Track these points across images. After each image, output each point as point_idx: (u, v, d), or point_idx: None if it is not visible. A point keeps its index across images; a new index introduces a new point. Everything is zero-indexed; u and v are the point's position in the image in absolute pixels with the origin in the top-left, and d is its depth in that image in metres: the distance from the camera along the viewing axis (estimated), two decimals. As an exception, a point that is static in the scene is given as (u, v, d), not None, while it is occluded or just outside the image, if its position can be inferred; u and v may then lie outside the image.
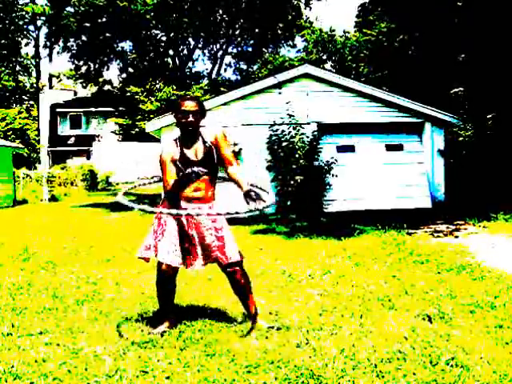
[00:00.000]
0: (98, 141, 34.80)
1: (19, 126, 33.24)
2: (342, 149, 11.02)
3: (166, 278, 3.29)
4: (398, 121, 11.20)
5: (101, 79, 28.43)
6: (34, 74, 32.79)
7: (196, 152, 3.30)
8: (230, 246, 3.32)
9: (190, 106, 3.26)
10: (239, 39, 30.75)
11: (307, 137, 10.41)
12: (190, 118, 3.24)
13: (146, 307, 3.91)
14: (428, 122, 11.21)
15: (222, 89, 27.46)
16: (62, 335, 3.31)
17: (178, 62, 29.35)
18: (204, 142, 3.30)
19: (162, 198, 3.44)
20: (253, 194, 3.04)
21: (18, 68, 37.57)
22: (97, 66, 26.75)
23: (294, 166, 10.09)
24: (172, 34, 25.99)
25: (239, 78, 35.49)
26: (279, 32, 28.88)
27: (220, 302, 4.00)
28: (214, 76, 31.96)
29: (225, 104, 10.76)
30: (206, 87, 29.09)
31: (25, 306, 3.98)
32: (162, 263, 3.24)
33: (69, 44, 25.77)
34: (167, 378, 2.65)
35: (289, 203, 10.16)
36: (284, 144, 10.31)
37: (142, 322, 3.53)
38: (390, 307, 3.84)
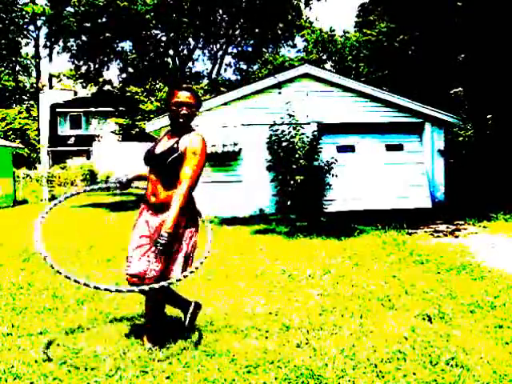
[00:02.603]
0: (98, 141, 34.80)
1: (19, 126, 33.25)
2: (342, 149, 11.03)
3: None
4: (398, 121, 11.20)
5: (101, 79, 28.41)
6: (34, 74, 32.82)
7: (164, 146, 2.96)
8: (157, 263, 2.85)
9: (184, 97, 2.95)
10: (239, 39, 30.76)
11: (307, 137, 10.40)
12: (184, 111, 2.94)
13: (146, 307, 3.91)
14: (428, 122, 11.22)
15: (221, 89, 27.43)
16: (61, 335, 3.31)
17: (178, 62, 29.34)
18: (177, 142, 2.92)
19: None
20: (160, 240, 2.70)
21: (18, 68, 37.58)
22: (97, 65, 26.70)
23: (294, 166, 10.09)
24: (172, 34, 25.97)
25: (239, 77, 35.49)
26: (279, 32, 28.85)
27: (220, 302, 4.00)
28: (213, 76, 31.97)
29: (225, 104, 10.76)
30: (206, 87, 29.09)
31: (25, 306, 3.98)
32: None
33: (69, 44, 25.72)
34: (167, 378, 2.65)
35: (289, 203, 10.17)
36: (284, 144, 10.31)
37: (142, 321, 3.53)
38: (390, 307, 3.84)
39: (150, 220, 2.96)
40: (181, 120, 2.95)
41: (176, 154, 2.87)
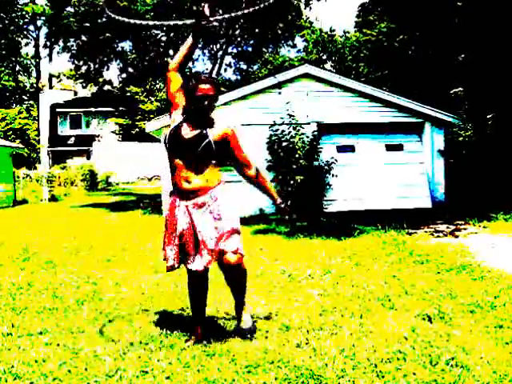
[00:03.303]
0: (98, 141, 34.81)
1: (19, 126, 33.26)
2: (342, 149, 11.03)
3: (190, 282, 3.20)
4: (398, 121, 11.20)
5: (101, 79, 28.37)
6: (34, 73, 32.82)
7: (193, 134, 2.98)
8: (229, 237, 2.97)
9: (205, 89, 2.94)
10: (239, 39, 30.75)
11: (307, 137, 10.41)
12: (206, 103, 2.95)
13: (146, 307, 3.91)
14: (428, 122, 11.21)
15: (222, 89, 27.37)
16: (61, 335, 3.31)
17: (178, 62, 29.34)
18: (205, 130, 2.97)
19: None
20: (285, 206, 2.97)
21: (18, 68, 37.57)
22: (97, 65, 26.67)
23: (294, 166, 10.09)
24: (172, 34, 25.97)
25: (239, 77, 35.49)
26: (279, 32, 28.84)
27: (220, 301, 4.00)
28: (214, 76, 31.98)
29: (225, 104, 10.74)
30: (206, 87, 29.04)
31: (25, 306, 3.98)
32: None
33: (69, 44, 25.69)
34: (167, 378, 2.65)
35: (289, 203, 10.16)
36: (284, 144, 10.31)
37: (142, 322, 3.53)
38: (390, 307, 3.84)
39: (188, 206, 2.98)
40: (204, 111, 2.98)
41: (206, 142, 2.95)
